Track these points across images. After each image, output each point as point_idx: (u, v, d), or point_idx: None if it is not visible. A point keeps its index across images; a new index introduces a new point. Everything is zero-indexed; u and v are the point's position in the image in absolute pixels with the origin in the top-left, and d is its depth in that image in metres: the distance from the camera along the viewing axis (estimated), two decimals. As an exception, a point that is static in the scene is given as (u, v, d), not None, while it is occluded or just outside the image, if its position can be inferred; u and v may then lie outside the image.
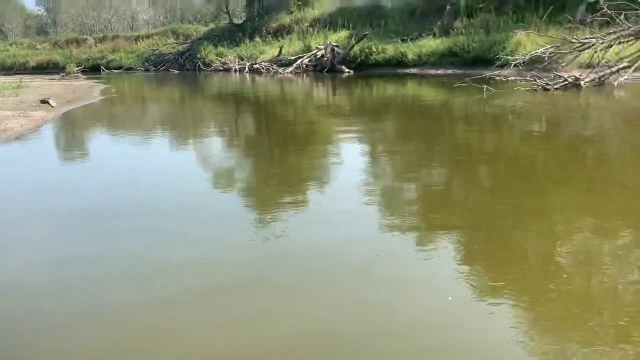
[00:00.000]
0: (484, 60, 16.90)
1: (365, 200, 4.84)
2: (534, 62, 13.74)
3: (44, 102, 12.12)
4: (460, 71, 17.37)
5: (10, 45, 45.48)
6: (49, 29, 60.82)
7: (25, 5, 67.93)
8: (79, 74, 31.56)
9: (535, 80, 12.33)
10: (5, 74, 32.59)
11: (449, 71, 18.23)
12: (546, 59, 13.42)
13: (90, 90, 17.92)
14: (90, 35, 45.21)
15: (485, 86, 12.24)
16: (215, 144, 8.53)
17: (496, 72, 14.05)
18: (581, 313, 2.85)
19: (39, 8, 64.47)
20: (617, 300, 2.96)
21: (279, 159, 7.30)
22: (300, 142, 8.24)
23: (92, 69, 36.01)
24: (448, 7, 21.63)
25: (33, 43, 45.09)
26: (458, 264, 3.44)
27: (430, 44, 20.22)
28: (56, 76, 30.01)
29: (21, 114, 9.89)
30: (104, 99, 15.70)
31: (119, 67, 36.23)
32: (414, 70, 19.82)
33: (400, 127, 9.50)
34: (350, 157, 6.84)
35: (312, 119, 11.00)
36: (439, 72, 18.72)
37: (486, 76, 13.56)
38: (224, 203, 5.15)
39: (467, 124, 9.35)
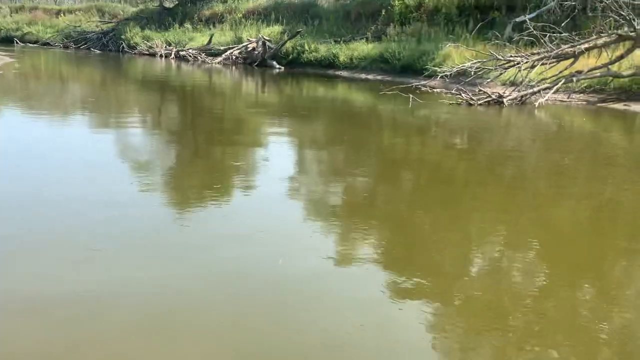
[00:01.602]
0: (412, 69, 16.81)
1: (284, 204, 4.74)
2: (460, 75, 13.74)
3: None
4: (389, 78, 17.21)
5: None
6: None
7: None
8: (-14, 44, 28.93)
9: (459, 94, 12.27)
10: None
11: (379, 77, 18.04)
12: (472, 73, 13.44)
13: (-12, 63, 16.18)
14: (6, 4, 41.72)
15: (411, 96, 12.03)
16: (112, 134, 7.65)
17: (423, 82, 13.92)
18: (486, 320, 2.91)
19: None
20: (520, 307, 3.08)
21: (200, 156, 6.87)
22: (224, 139, 7.87)
23: (4, 41, 33.26)
24: (383, 13, 21.51)
25: (-64, 5, 40.98)
26: (370, 265, 3.55)
27: (363, 48, 19.98)
28: (-41, 44, 27.33)
29: None
30: (0, 75, 14.18)
31: (36, 42, 33.64)
32: (344, 73, 19.50)
33: (325, 130, 9.27)
34: (273, 159, 6.63)
35: (239, 116, 10.50)
36: (368, 77, 18.50)
37: (412, 85, 13.40)
38: (132, 202, 4.60)
39: (390, 133, 9.16)
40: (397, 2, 21.05)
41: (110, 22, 33.51)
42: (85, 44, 31.96)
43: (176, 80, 17.48)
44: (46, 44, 32.96)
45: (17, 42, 33.11)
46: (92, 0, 42.64)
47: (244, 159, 6.51)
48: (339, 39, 21.48)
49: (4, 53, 22.60)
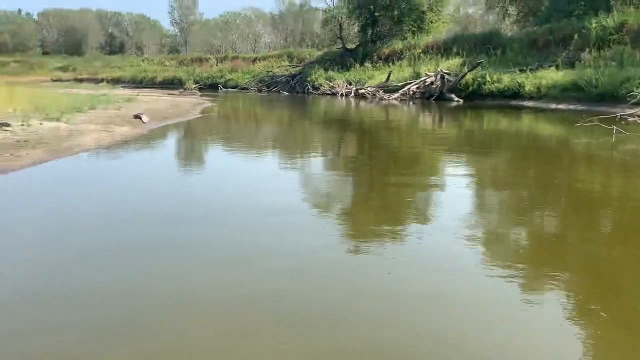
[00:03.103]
0: (613, 96, 14.85)
1: (467, 241, 4.39)
2: (678, 102, 11.67)
3: (137, 117, 12.32)
4: (584, 107, 15.44)
5: (143, 61, 49.48)
6: (181, 48, 65.81)
7: (161, 24, 74.60)
8: (196, 91, 33.23)
9: (678, 124, 10.36)
10: (135, 87, 35.29)
11: (571, 106, 16.30)
12: (694, 98, 11.32)
13: (193, 108, 18.34)
14: (213, 55, 47.82)
15: (614, 127, 10.48)
16: (294, 170, 7.91)
17: (629, 112, 12.11)
18: None
19: (173, 29, 70.07)
20: None
21: (377, 188, 6.88)
22: (400, 177, 7.62)
23: (210, 87, 37.93)
24: (575, 37, 19.60)
25: (162, 60, 48.71)
26: (568, 320, 3.09)
27: (552, 75, 18.36)
28: (176, 91, 31.81)
29: (104, 129, 9.95)
30: (201, 118, 15.91)
31: (235, 87, 37.69)
32: (530, 103, 18.06)
33: (510, 167, 8.39)
34: (449, 199, 6.14)
35: (415, 152, 10.19)
36: (559, 106, 16.83)
37: (616, 115, 11.71)
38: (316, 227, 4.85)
39: (588, 171, 7.93)
40: (593, 24, 19.04)
41: (298, 66, 36.16)
42: (276, 86, 34.88)
43: (354, 118, 17.91)
44: (243, 88, 36.76)
45: (220, 88, 37.56)
46: (285, 47, 46.84)
47: (418, 199, 6.14)
48: (524, 68, 20.12)
49: (207, 98, 25.65)
